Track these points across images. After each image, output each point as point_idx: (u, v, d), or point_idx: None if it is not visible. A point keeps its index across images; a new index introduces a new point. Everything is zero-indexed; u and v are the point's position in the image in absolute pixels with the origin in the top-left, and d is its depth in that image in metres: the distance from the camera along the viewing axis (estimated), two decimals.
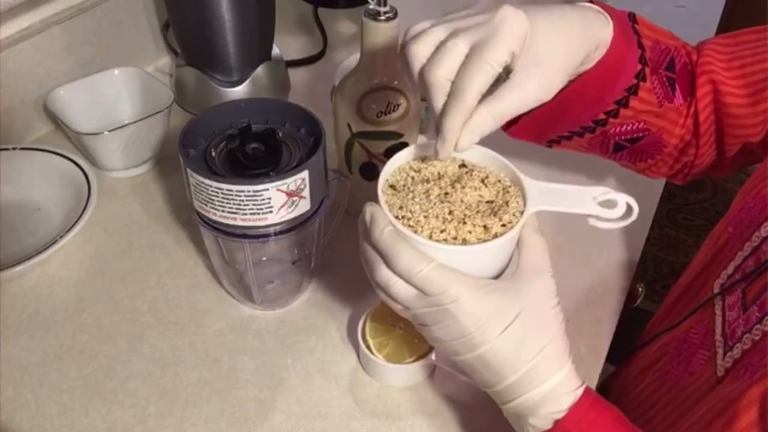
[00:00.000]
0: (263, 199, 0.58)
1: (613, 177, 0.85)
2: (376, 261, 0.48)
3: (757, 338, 0.50)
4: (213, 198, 0.58)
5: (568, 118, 0.62)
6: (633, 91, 0.59)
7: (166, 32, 1.01)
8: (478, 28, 0.47)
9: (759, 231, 0.54)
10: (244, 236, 0.62)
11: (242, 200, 0.58)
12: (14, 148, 0.80)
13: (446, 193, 0.49)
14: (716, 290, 0.57)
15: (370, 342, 0.64)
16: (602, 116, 0.61)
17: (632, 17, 0.61)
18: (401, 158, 0.52)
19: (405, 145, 0.71)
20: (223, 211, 0.59)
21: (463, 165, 0.52)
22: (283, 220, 0.60)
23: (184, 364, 0.66)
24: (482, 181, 0.51)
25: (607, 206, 0.49)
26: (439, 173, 0.51)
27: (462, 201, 0.49)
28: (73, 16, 0.88)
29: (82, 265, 0.74)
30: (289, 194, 0.59)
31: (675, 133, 0.64)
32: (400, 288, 0.47)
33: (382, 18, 0.63)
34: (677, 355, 0.59)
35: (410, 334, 0.63)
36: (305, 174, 0.59)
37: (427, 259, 0.46)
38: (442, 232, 0.47)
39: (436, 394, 0.64)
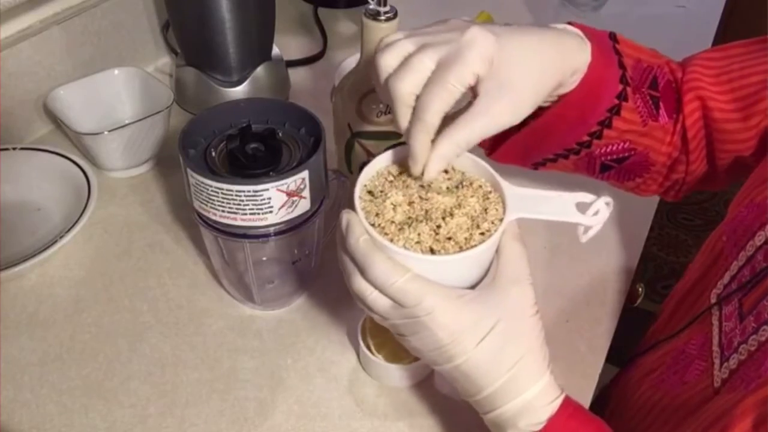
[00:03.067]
0: (263, 199, 0.58)
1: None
2: (352, 270, 0.47)
3: (753, 348, 0.50)
4: (213, 198, 0.58)
5: (551, 141, 0.62)
6: (615, 111, 0.59)
7: (166, 32, 1.01)
8: (446, 46, 0.47)
9: (753, 240, 0.54)
10: (244, 236, 0.62)
11: (242, 200, 0.58)
12: (14, 148, 0.80)
13: (424, 200, 0.48)
14: (713, 300, 0.57)
15: (370, 342, 0.64)
16: (586, 138, 0.60)
17: (612, 37, 0.60)
18: (379, 163, 0.51)
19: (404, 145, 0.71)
20: (223, 211, 0.59)
21: (443, 170, 0.51)
22: (283, 220, 0.60)
23: (184, 364, 0.66)
24: (462, 187, 0.49)
25: (585, 210, 0.48)
26: (417, 178, 0.49)
27: (440, 208, 0.48)
28: (73, 16, 0.88)
29: (82, 265, 0.75)
30: (289, 194, 0.59)
31: (662, 151, 0.63)
32: (376, 298, 0.46)
33: (382, 18, 0.63)
34: (674, 365, 0.59)
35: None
36: (305, 174, 0.59)
37: (401, 270, 0.45)
38: (417, 243, 0.46)
39: (436, 394, 0.64)
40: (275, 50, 0.96)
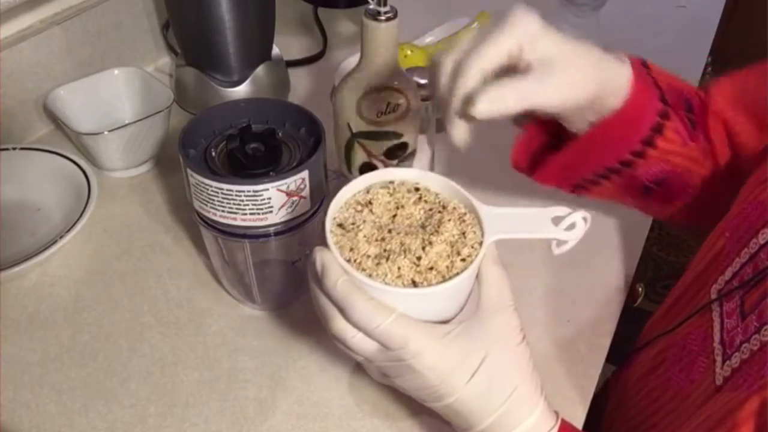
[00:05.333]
0: (263, 199, 0.58)
1: None
2: (332, 313, 0.45)
3: (755, 348, 0.49)
4: (213, 198, 0.58)
5: (593, 160, 0.61)
6: (658, 130, 0.59)
7: (166, 32, 1.01)
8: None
9: (757, 238, 0.54)
10: (244, 236, 0.62)
11: (242, 200, 0.58)
12: (14, 148, 0.80)
13: (397, 232, 0.46)
14: (713, 296, 0.57)
15: None
16: (628, 156, 0.60)
17: (644, 62, 0.61)
18: (346, 193, 0.48)
19: (405, 145, 0.71)
20: (223, 211, 0.59)
21: (416, 189, 0.49)
22: (283, 220, 0.60)
23: (184, 364, 0.66)
24: (437, 212, 0.47)
25: (565, 225, 0.48)
26: (389, 203, 0.48)
27: (417, 237, 0.46)
28: (73, 16, 0.88)
29: (82, 265, 0.75)
30: (289, 194, 0.59)
31: (701, 173, 0.64)
32: (359, 341, 0.45)
33: (382, 18, 0.63)
34: (678, 362, 0.59)
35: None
36: (305, 174, 0.59)
37: (385, 311, 0.43)
38: (398, 277, 0.44)
39: None
40: (275, 50, 0.96)
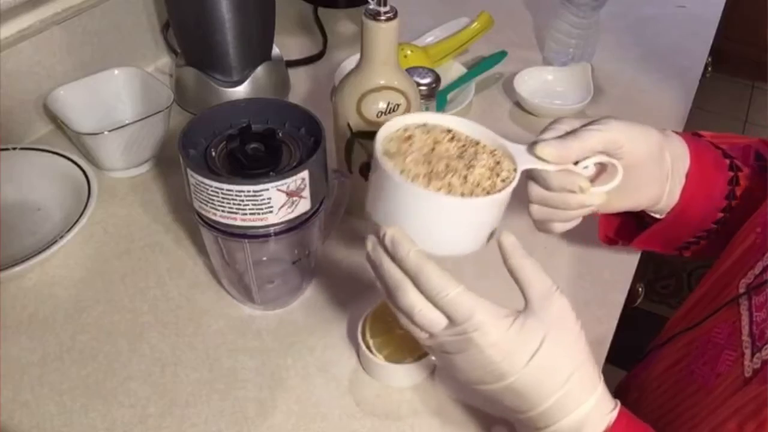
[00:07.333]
0: (263, 199, 0.58)
1: None
2: (400, 285, 0.47)
3: None
4: (213, 198, 0.58)
5: (689, 227, 0.64)
6: (734, 182, 0.62)
7: (166, 32, 1.01)
8: None
9: None
10: (244, 236, 0.62)
11: (242, 200, 0.58)
12: (14, 148, 0.80)
13: (441, 158, 0.50)
14: (742, 290, 0.57)
15: (370, 342, 0.64)
16: (720, 215, 0.63)
17: (695, 133, 0.65)
18: (387, 129, 0.52)
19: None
20: (223, 211, 0.59)
21: (449, 130, 0.53)
22: (283, 220, 0.60)
23: (184, 364, 0.66)
24: (470, 146, 0.52)
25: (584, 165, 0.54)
26: (426, 139, 0.52)
27: (460, 162, 0.50)
28: (73, 16, 0.88)
29: (82, 265, 0.75)
30: (289, 194, 0.59)
31: None
32: (426, 314, 0.47)
33: (382, 18, 0.63)
34: (701, 355, 0.59)
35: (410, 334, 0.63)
36: (305, 174, 0.59)
37: (454, 282, 0.46)
38: (449, 192, 0.47)
39: (436, 394, 0.64)
40: (275, 50, 0.96)
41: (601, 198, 0.55)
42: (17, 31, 0.84)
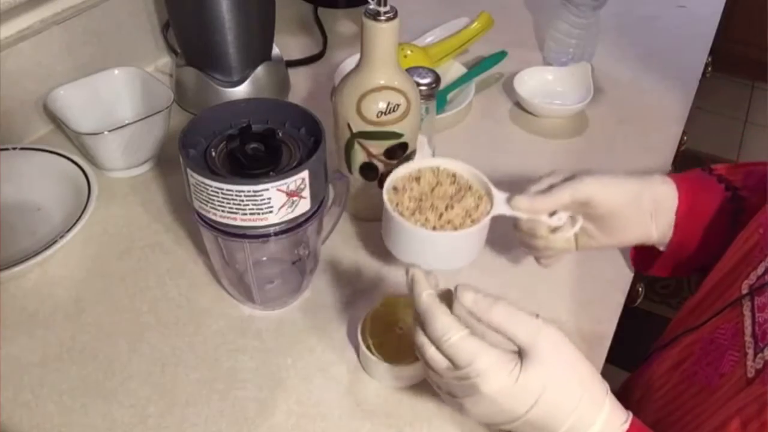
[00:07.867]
0: (263, 199, 0.58)
1: None
2: (415, 323, 0.51)
3: None
4: (213, 198, 0.58)
5: (700, 252, 0.67)
6: (738, 212, 0.65)
7: (166, 32, 1.01)
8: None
9: None
10: (244, 236, 0.62)
11: (242, 200, 0.58)
12: (14, 148, 0.80)
13: (433, 196, 0.61)
14: (744, 291, 0.57)
15: (370, 342, 0.64)
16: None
17: (707, 168, 0.69)
18: (403, 170, 0.63)
19: (405, 145, 0.71)
20: (223, 211, 0.59)
21: (454, 174, 0.63)
22: (283, 220, 0.60)
23: (184, 364, 0.66)
24: (462, 189, 0.62)
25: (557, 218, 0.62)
26: (431, 179, 0.62)
27: (444, 202, 0.60)
28: (73, 16, 0.88)
29: (82, 265, 0.75)
30: (289, 194, 0.59)
31: None
32: (433, 354, 0.49)
33: (382, 18, 0.63)
34: (705, 356, 0.59)
35: (410, 335, 0.63)
36: (305, 174, 0.59)
37: (457, 327, 0.48)
38: (423, 225, 0.58)
39: (436, 394, 0.64)
40: (275, 50, 0.96)
41: (559, 242, 0.65)
42: (17, 31, 0.84)
